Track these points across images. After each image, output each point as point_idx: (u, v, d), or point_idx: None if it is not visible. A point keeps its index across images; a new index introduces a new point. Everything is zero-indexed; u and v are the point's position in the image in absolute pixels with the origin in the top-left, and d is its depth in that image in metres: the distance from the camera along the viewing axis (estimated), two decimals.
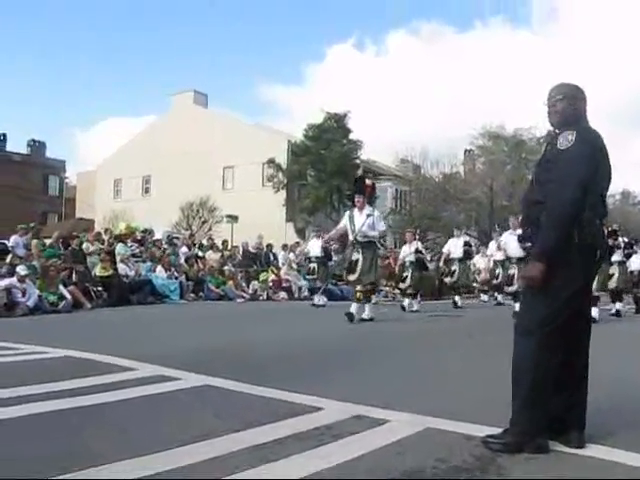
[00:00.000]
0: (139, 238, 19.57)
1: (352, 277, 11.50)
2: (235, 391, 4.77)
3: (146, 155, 40.99)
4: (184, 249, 19.98)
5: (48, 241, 18.23)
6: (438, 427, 3.79)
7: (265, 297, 19.37)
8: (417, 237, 17.38)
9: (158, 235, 21.30)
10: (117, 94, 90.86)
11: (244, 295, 18.72)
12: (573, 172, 3.43)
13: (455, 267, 17.45)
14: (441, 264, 19.37)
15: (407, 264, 15.73)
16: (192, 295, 17.87)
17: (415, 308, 15.01)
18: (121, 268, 16.62)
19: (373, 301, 13.49)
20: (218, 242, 22.69)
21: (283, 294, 19.71)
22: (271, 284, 19.98)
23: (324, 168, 35.78)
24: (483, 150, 41.02)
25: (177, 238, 21.96)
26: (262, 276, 20.30)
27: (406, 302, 15.13)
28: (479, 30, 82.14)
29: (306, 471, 3.00)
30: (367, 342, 8.69)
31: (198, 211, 34.95)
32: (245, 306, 16.24)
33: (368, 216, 11.49)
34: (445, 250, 18.31)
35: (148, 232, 20.44)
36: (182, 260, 18.96)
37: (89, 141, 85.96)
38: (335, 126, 36.77)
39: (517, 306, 13.02)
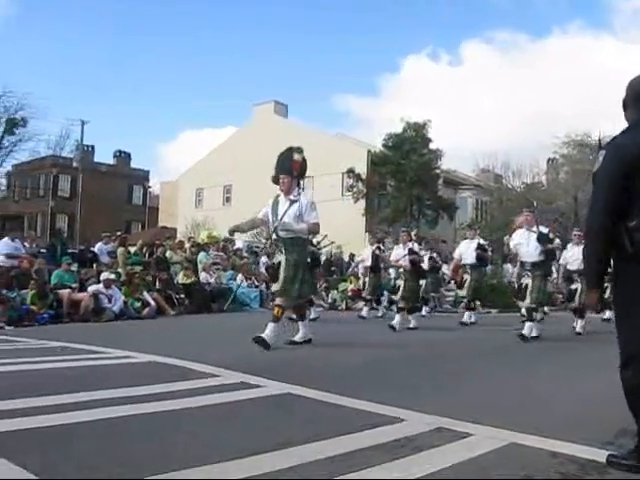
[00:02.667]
0: (221, 247, 19.89)
1: (275, 286, 8.73)
2: (316, 400, 4.78)
3: (227, 165, 41.63)
4: (264, 258, 20.15)
5: (133, 249, 18.74)
6: (522, 442, 3.68)
7: (344, 307, 19.37)
8: (414, 237, 14.45)
9: (239, 244, 21.59)
10: (196, 106, 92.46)
11: (323, 304, 18.77)
12: (599, 198, 3.32)
13: (467, 276, 14.46)
14: (448, 271, 16.93)
15: (399, 271, 13.25)
16: (272, 304, 17.99)
17: (412, 325, 12.31)
18: (203, 276, 16.94)
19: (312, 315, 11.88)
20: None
21: (362, 304, 19.64)
22: (350, 293, 19.96)
23: (404, 178, 35.62)
24: (567, 159, 39.95)
25: (257, 247, 22.20)
26: (341, 286, 20.32)
27: (396, 319, 12.03)
28: (556, 36, 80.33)
29: None
30: (444, 355, 8.58)
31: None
32: (323, 315, 16.26)
33: (292, 203, 8.54)
34: (456, 255, 15.22)
35: (229, 241, 20.73)
36: (262, 269, 19.13)
37: (171, 152, 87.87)
38: (415, 135, 36.57)
39: (579, 323, 11.94)
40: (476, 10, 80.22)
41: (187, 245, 20.01)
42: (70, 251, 18.03)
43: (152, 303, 14.74)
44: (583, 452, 3.49)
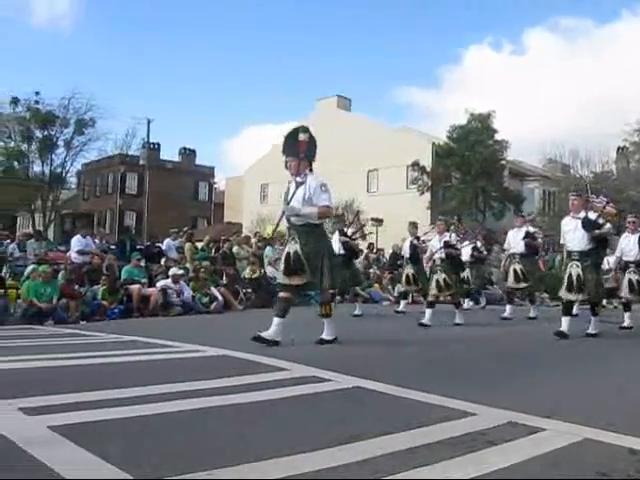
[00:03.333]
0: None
1: (297, 280, 7.76)
2: (386, 393, 4.76)
3: None
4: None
5: (200, 245, 19.02)
6: (598, 439, 3.59)
7: (410, 300, 19.28)
8: (452, 227, 13.55)
9: None
10: (258, 102, 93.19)
11: (390, 298, 18.71)
12: None
13: (516, 265, 13.58)
14: (502, 264, 15.21)
15: (436, 263, 12.15)
16: (338, 298, 18.03)
17: (458, 320, 11.67)
18: (269, 270, 17.06)
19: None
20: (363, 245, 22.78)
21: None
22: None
23: (469, 170, 35.30)
24: (638, 147, 38.99)
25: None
26: None
27: (427, 315, 11.30)
28: (626, 20, 78.03)
29: (457, 477, 2.94)
30: (518, 347, 8.49)
31: (343, 214, 35.29)
32: (389, 309, 16.21)
33: (299, 185, 7.83)
34: (505, 245, 14.45)
35: None
36: None
37: (235, 148, 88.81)
38: (480, 127, 36.20)
39: (627, 318, 11.22)
40: None
41: (253, 240, 20.20)
42: (139, 247, 18.40)
43: (219, 298, 14.94)
44: None
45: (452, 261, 12.14)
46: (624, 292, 11.51)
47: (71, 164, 51.39)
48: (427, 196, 37.47)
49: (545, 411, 4.14)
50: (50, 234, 46.37)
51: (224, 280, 16.66)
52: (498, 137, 36.53)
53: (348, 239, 13.21)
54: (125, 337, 8.71)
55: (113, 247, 19.13)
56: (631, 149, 40.25)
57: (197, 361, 6.56)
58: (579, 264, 9.39)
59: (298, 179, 7.84)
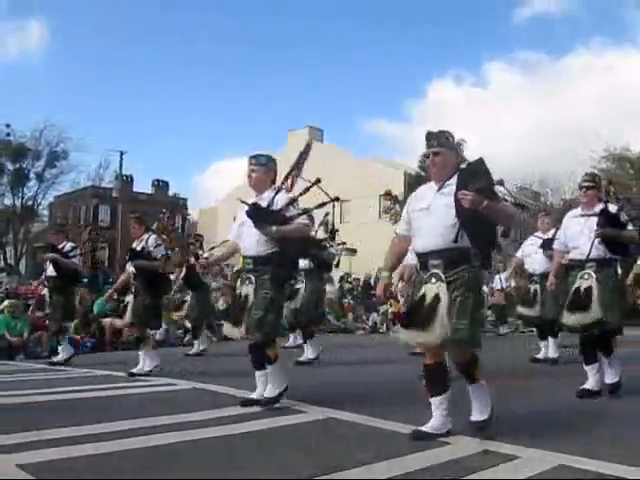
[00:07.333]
0: None
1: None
2: (359, 424, 4.75)
3: None
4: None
5: (172, 277, 18.87)
6: (571, 465, 3.62)
7: (385, 329, 19.28)
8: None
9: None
10: (229, 134, 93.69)
11: (364, 327, 18.70)
12: None
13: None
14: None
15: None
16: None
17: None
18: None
19: None
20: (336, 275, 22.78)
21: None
22: (391, 316, 19.84)
23: None
24: (606, 173, 39.58)
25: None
26: (382, 308, 20.23)
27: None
28: (581, 53, 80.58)
29: None
30: (491, 374, 8.47)
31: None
32: (365, 339, 16.20)
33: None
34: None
35: None
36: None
37: (206, 179, 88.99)
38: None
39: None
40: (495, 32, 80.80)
41: (227, 272, 20.11)
42: (111, 280, 18.23)
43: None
44: (634, 474, 3.42)
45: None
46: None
47: (43, 196, 51.03)
48: None
49: (518, 438, 4.14)
50: (22, 267, 45.83)
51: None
52: None
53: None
54: (97, 372, 8.60)
55: (85, 280, 18.94)
56: (600, 175, 40.81)
57: (169, 395, 6.50)
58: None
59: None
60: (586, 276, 6.34)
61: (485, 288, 12.50)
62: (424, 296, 4.32)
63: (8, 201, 49.63)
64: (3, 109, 79.18)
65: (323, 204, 6.80)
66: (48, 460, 3.65)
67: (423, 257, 4.50)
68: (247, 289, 5.58)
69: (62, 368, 9.24)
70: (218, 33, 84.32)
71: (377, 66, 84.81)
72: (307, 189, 6.11)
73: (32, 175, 49.43)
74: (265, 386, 5.57)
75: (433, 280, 4.32)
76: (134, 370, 7.94)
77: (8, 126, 46.69)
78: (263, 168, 6.07)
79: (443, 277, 4.29)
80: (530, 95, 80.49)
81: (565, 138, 68.73)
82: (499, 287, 16.83)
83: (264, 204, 5.74)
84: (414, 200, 4.78)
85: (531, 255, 9.66)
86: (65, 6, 75.56)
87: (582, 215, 6.69)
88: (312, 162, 39.96)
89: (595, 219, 6.41)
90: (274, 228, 5.53)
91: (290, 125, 52.47)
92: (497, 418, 4.37)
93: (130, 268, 8.70)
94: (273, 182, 6.11)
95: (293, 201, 5.86)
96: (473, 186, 4.26)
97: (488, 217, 4.36)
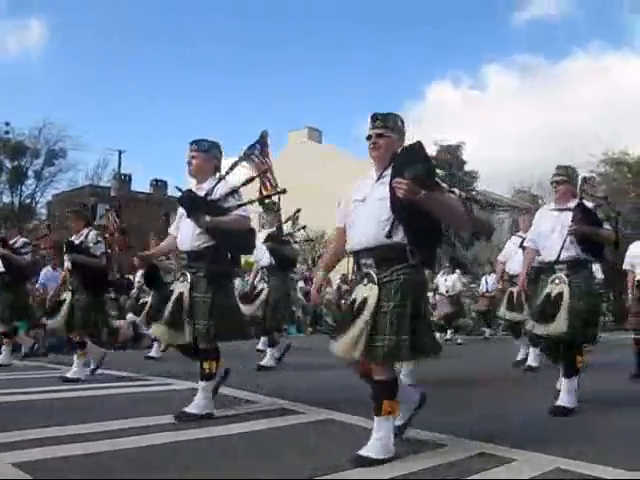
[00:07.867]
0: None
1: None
2: (357, 425, 4.73)
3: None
4: (301, 283, 20.19)
5: None
6: (567, 468, 3.61)
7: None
8: None
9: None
10: (230, 134, 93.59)
11: None
12: None
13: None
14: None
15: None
16: (310, 329, 18.08)
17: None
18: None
19: None
20: (334, 276, 22.80)
21: None
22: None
23: None
24: (604, 177, 39.58)
25: (294, 272, 22.17)
26: None
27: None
28: (580, 57, 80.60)
29: None
30: (484, 377, 8.48)
31: (314, 246, 35.24)
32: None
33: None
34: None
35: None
36: (299, 294, 19.17)
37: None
38: (449, 158, 36.58)
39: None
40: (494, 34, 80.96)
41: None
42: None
43: None
44: (632, 477, 3.41)
45: None
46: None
47: (41, 195, 50.98)
48: None
49: (515, 441, 4.13)
50: None
51: None
52: (467, 168, 36.96)
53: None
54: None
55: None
56: (598, 179, 40.80)
57: (163, 395, 6.47)
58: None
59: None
60: (557, 281, 5.73)
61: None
62: (355, 300, 3.91)
63: (6, 199, 49.63)
64: (2, 107, 78.62)
65: (267, 196, 6.49)
66: (34, 460, 3.62)
67: (355, 255, 4.05)
68: (181, 287, 5.10)
69: (58, 367, 9.13)
70: (217, 33, 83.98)
71: (376, 67, 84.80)
72: (251, 179, 5.58)
73: (30, 173, 49.41)
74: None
75: (365, 281, 3.88)
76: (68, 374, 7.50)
77: (7, 124, 46.64)
78: (204, 154, 5.41)
79: (375, 278, 3.83)
80: (528, 98, 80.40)
81: (563, 141, 68.71)
82: (484, 290, 16.85)
83: (202, 193, 5.17)
84: (354, 190, 4.22)
85: (511, 255, 9.44)
86: (65, 5, 75.12)
87: (555, 209, 6.13)
88: (312, 163, 39.92)
89: (569, 214, 5.83)
90: (207, 218, 4.98)
91: (290, 126, 52.41)
92: (492, 421, 4.36)
93: (66, 263, 7.99)
94: (217, 170, 5.47)
95: (234, 191, 5.23)
96: (409, 174, 3.69)
97: (428, 210, 3.81)
